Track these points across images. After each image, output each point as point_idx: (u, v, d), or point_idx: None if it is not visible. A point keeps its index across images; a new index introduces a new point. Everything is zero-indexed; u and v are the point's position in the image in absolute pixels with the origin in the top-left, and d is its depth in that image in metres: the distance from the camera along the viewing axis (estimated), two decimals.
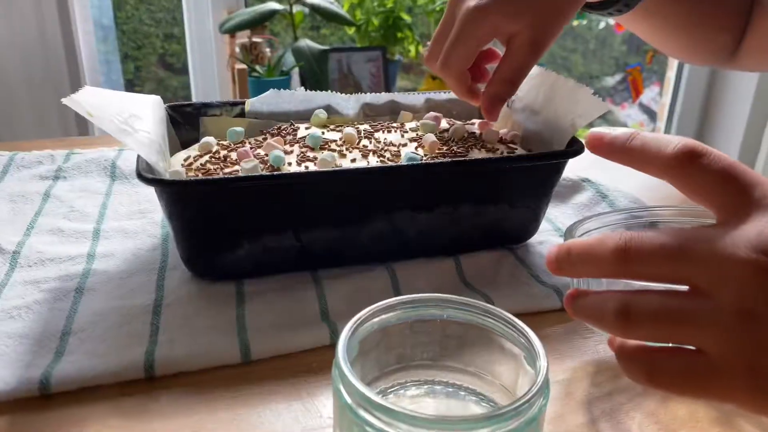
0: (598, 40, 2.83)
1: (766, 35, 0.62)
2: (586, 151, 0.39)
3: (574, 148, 0.51)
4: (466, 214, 0.52)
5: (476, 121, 0.64)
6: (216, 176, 0.47)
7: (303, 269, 0.52)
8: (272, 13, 1.66)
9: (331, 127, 0.60)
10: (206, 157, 0.53)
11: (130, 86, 2.24)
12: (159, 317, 0.46)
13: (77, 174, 0.68)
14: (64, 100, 0.43)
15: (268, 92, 0.62)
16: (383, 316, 0.38)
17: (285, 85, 1.70)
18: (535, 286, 0.51)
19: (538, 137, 0.57)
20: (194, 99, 1.92)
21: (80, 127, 1.58)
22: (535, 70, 0.60)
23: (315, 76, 1.71)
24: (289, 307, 0.47)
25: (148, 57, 2.38)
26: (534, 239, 0.57)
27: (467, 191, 0.51)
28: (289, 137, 0.57)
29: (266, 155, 0.52)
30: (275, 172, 0.47)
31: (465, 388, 0.39)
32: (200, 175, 0.50)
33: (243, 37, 1.74)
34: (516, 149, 0.55)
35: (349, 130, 0.56)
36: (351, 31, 1.88)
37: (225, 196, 0.46)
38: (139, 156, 0.46)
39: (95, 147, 0.76)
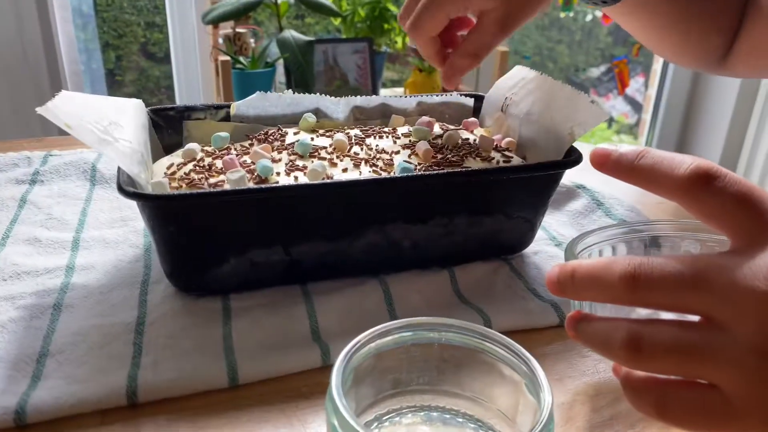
0: (584, 32, 2.82)
1: (758, 38, 0.60)
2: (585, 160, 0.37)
3: (572, 158, 0.50)
4: (461, 225, 0.50)
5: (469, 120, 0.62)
6: (201, 190, 0.45)
7: (292, 283, 0.50)
8: (257, 4, 1.63)
9: (321, 131, 0.58)
10: (190, 166, 0.51)
11: (111, 76, 2.20)
12: (141, 336, 0.44)
13: (55, 178, 0.65)
14: (40, 110, 0.41)
15: (254, 95, 0.59)
16: (379, 341, 0.36)
17: (269, 77, 1.67)
18: (532, 300, 0.49)
19: (534, 144, 0.55)
20: (177, 90, 1.88)
21: None
22: (530, 74, 0.59)
23: (300, 67, 1.68)
24: (278, 325, 0.45)
25: (130, 46, 2.33)
26: (529, 249, 0.56)
27: (463, 202, 0.50)
28: (276, 143, 0.55)
29: (253, 164, 0.50)
30: (263, 185, 0.45)
31: (462, 414, 0.38)
32: (184, 185, 0.48)
33: (226, 27, 1.71)
34: (512, 157, 0.54)
35: (340, 136, 0.54)
36: (337, 21, 1.85)
37: (210, 211, 0.44)
38: (119, 168, 0.44)
39: (75, 148, 0.73)
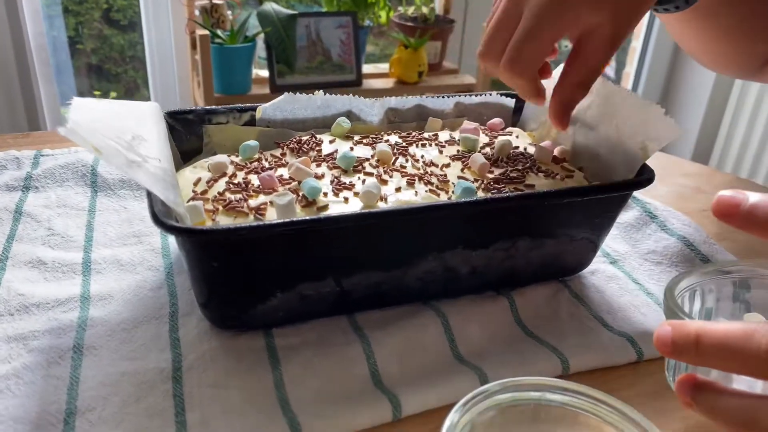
0: None
1: None
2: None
3: (646, 177, 0.45)
4: (523, 248, 0.46)
5: (513, 130, 0.57)
6: (256, 222, 0.39)
7: (339, 314, 0.45)
8: None
9: (356, 138, 0.52)
10: (222, 183, 0.45)
11: (73, 44, 2.06)
12: (181, 386, 0.39)
13: (51, 183, 0.58)
14: (63, 132, 0.34)
15: (281, 97, 0.53)
16: (479, 406, 0.32)
17: (249, 52, 1.59)
18: (603, 332, 0.45)
19: (594, 155, 0.51)
20: (149, 64, 1.78)
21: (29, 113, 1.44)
22: None
23: (282, 42, 1.59)
24: (333, 369, 0.40)
25: (91, 12, 2.19)
26: (585, 269, 0.52)
27: (527, 224, 0.45)
28: (312, 152, 0.50)
29: (292, 180, 0.45)
30: (321, 215, 0.40)
31: None
32: (220, 208, 0.42)
33: None
34: (573, 171, 0.49)
35: (383, 147, 0.49)
36: None
37: (261, 244, 0.39)
38: (150, 193, 0.38)
39: (67, 145, 0.66)
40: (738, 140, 2.04)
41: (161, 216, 0.37)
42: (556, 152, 0.52)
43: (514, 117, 0.60)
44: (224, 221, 0.41)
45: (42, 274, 0.47)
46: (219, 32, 1.56)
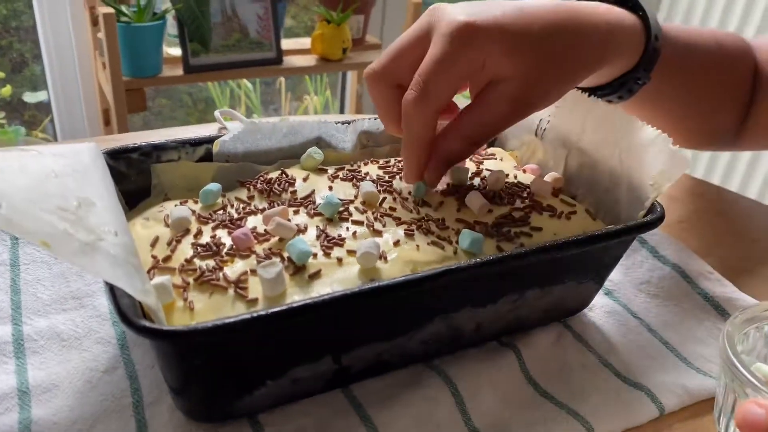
0: None
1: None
2: None
3: (658, 216, 0.42)
4: (531, 298, 0.42)
5: (495, 151, 0.52)
6: (246, 314, 0.31)
7: (333, 388, 0.39)
8: None
9: (331, 171, 0.46)
10: (187, 245, 0.38)
11: None
12: None
13: None
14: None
15: (241, 126, 0.46)
16: None
17: (159, 31, 1.45)
18: (620, 386, 0.42)
19: (589, 182, 0.47)
20: (42, 43, 1.60)
21: None
22: (573, 93, 0.50)
23: (196, 19, 1.47)
24: None
25: None
26: None
27: (538, 274, 0.41)
28: (285, 194, 0.43)
29: (267, 234, 0.38)
30: (323, 296, 0.33)
31: None
32: (191, 282, 0.35)
33: None
34: (574, 205, 0.45)
35: (368, 186, 0.43)
36: None
37: (251, 333, 0.32)
38: (112, 287, 0.31)
39: None
40: None
41: (132, 315, 0.29)
42: (547, 178, 0.48)
43: None
44: (198, 299, 0.34)
45: None
46: (123, 8, 1.42)
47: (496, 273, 0.38)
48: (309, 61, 1.67)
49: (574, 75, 0.43)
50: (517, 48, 0.39)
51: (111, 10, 1.35)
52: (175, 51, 1.56)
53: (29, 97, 1.84)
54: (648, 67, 0.49)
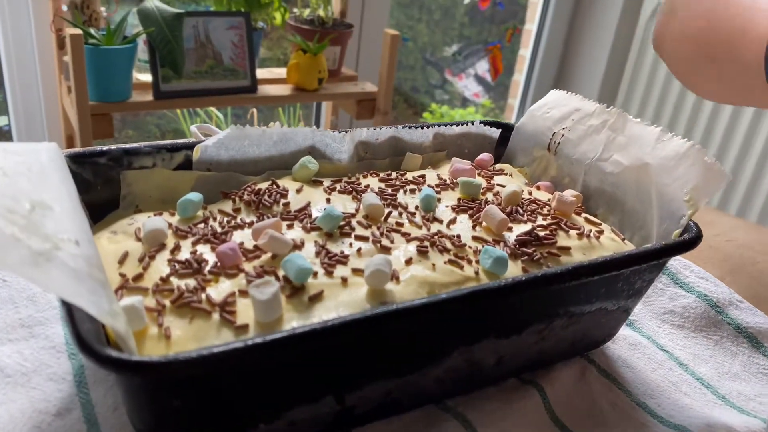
0: (442, 11, 2.78)
1: None
2: None
3: (696, 235, 0.37)
4: (557, 327, 0.37)
5: (504, 167, 0.48)
6: (237, 343, 0.26)
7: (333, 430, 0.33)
8: None
9: (327, 184, 0.41)
10: (162, 261, 0.32)
11: None
12: None
13: None
14: None
15: (227, 131, 0.41)
16: None
17: (129, 54, 1.40)
18: (654, 427, 0.37)
19: (612, 200, 0.43)
20: (4, 64, 1.53)
21: None
22: (588, 106, 0.46)
23: (168, 44, 1.42)
24: None
25: None
26: None
27: (570, 299, 0.36)
28: (277, 207, 0.37)
29: (263, 252, 0.33)
30: (330, 322, 0.27)
31: None
32: (167, 304, 0.29)
33: None
34: (600, 224, 0.41)
35: (371, 198, 0.38)
36: None
37: (242, 367, 0.27)
38: (70, 308, 0.25)
39: None
40: (638, 98, 2.05)
41: (94, 343, 0.23)
42: (565, 195, 0.43)
43: (499, 149, 0.51)
44: (176, 325, 0.28)
45: None
46: (92, 31, 1.36)
47: (528, 298, 0.33)
48: (284, 90, 1.62)
49: None
50: None
51: (79, 31, 1.29)
52: (145, 77, 1.51)
53: None
54: None
